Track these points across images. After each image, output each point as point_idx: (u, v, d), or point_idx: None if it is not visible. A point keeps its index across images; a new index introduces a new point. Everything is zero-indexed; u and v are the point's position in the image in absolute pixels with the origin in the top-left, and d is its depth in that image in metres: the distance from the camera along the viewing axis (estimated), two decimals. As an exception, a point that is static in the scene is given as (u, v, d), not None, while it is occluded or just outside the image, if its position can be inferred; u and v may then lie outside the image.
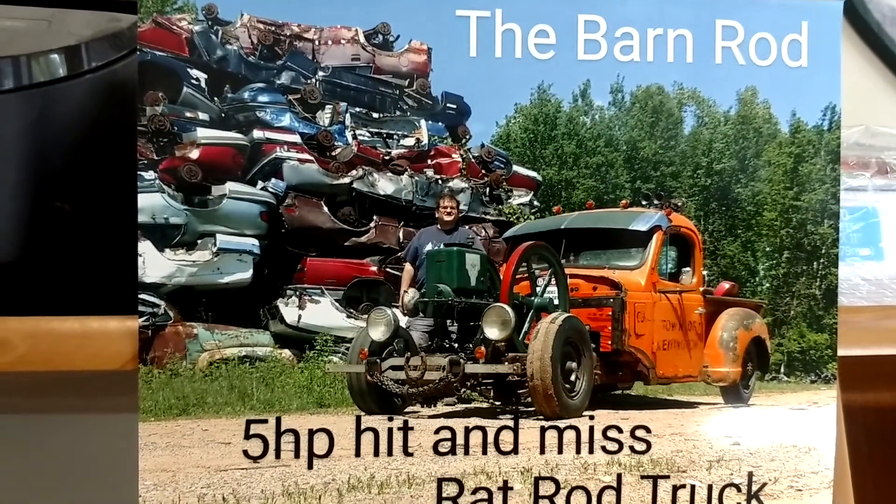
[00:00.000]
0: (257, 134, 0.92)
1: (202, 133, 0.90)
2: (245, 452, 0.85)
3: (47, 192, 0.87)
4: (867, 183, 1.09)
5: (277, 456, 0.86)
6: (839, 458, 0.94)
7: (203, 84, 0.90)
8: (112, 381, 0.85)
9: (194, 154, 0.90)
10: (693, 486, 0.90)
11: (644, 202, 1.03)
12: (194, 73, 0.90)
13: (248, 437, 0.86)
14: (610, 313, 1.08)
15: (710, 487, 0.90)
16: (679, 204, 1.02)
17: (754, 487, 0.91)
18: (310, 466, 0.86)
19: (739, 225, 1.03)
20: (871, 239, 1.07)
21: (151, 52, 0.86)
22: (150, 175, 0.87)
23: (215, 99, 0.91)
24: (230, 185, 0.91)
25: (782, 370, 1.00)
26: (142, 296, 0.85)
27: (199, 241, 0.91)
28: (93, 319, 0.83)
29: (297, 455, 0.86)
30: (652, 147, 0.99)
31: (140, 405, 0.84)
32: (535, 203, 1.03)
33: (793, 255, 1.00)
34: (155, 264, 0.86)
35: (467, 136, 0.96)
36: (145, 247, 0.85)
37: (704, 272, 1.12)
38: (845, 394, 0.96)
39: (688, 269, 1.16)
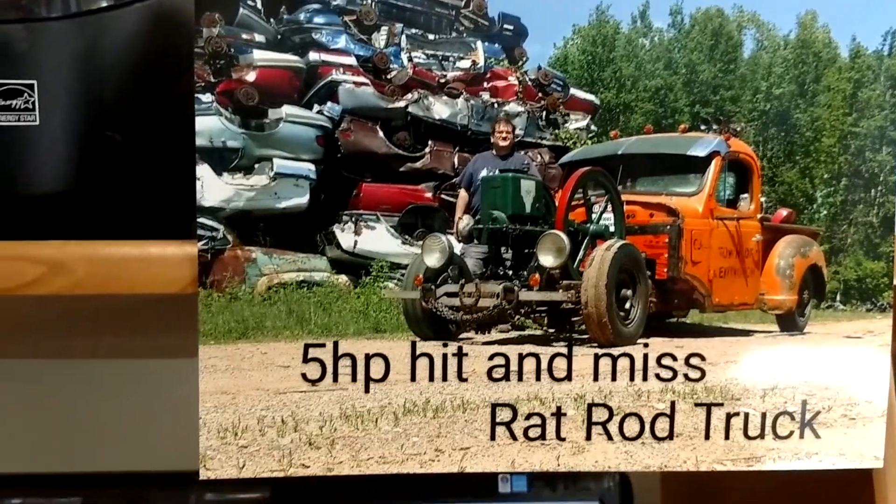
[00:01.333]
0: (313, 56, 0.90)
1: (258, 55, 0.89)
2: (304, 376, 0.86)
3: (105, 116, 0.87)
4: (921, 113, 1.06)
5: (335, 379, 0.86)
6: (891, 387, 0.93)
7: (259, 5, 0.88)
8: (172, 305, 0.86)
9: (251, 76, 0.89)
10: (747, 414, 0.90)
11: (703, 127, 1.00)
12: (250, -7, 0.89)
13: (306, 360, 0.86)
14: (666, 240, 1.06)
15: (763, 415, 0.90)
16: (738, 129, 1.00)
17: (808, 416, 0.91)
18: (366, 390, 0.87)
19: (798, 151, 1.01)
20: (925, 169, 1.05)
21: (207, -28, 0.85)
22: (207, 98, 0.86)
23: (271, 20, 0.89)
24: (286, 109, 0.90)
25: (838, 298, 0.99)
26: (200, 220, 0.85)
27: (256, 166, 0.90)
28: (152, 244, 0.83)
29: (353, 379, 0.86)
30: (711, 70, 0.97)
31: (200, 328, 0.85)
32: (593, 128, 1.01)
33: (850, 182, 0.98)
34: (213, 188, 0.86)
35: (524, 58, 0.94)
36: (203, 170, 0.85)
37: (762, 199, 1.10)
38: (900, 323, 0.95)
39: (746, 195, 1.13)
